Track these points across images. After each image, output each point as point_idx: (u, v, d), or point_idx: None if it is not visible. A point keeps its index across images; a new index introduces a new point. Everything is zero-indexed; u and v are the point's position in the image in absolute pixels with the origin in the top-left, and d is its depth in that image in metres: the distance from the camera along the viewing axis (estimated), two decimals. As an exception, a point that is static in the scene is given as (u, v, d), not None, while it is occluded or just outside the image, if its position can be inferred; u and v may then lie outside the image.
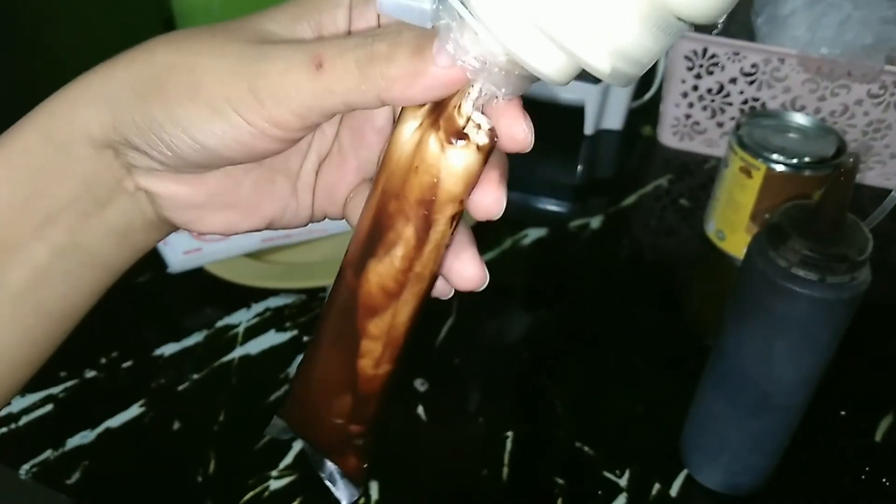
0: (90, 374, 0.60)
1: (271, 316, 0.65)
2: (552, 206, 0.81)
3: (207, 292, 0.67)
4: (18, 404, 0.57)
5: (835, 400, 0.58)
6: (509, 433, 0.56)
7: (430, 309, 0.69)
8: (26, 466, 0.53)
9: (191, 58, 0.25)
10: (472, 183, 0.26)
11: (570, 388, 0.60)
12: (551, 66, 0.23)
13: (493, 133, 0.25)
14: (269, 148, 0.26)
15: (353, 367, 0.29)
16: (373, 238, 0.27)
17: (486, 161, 0.26)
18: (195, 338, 0.63)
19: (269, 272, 0.67)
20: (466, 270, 0.28)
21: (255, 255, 0.68)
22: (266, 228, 0.31)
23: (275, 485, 0.52)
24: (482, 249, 0.74)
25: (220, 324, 0.64)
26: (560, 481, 0.53)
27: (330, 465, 0.34)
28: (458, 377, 0.61)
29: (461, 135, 0.25)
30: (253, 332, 0.63)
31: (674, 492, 0.52)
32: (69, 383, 0.59)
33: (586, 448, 0.55)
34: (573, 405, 0.58)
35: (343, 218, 0.31)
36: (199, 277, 0.67)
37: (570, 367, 0.62)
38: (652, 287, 0.72)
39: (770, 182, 0.66)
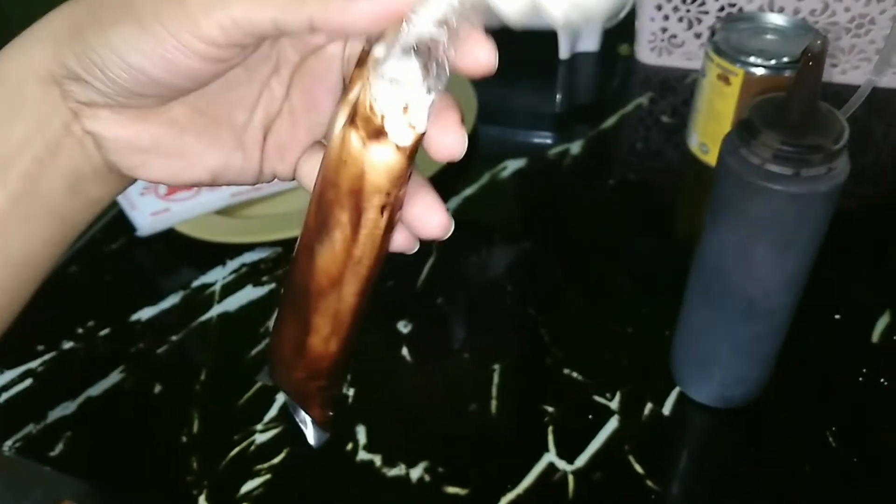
0: (67, 345, 0.58)
1: (247, 271, 0.63)
2: (532, 136, 0.79)
3: (181, 253, 0.65)
4: (-3, 381, 0.56)
5: (828, 304, 0.57)
6: (496, 366, 0.54)
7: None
8: (9, 442, 0.52)
9: None
10: (399, 176, 0.26)
11: (555, 317, 0.58)
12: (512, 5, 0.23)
13: (418, 134, 0.25)
14: (197, 68, 0.26)
15: (305, 341, 0.31)
16: (318, 223, 0.28)
17: (411, 157, 0.26)
18: (172, 300, 0.61)
19: (241, 227, 0.65)
20: (428, 218, 0.28)
21: (226, 212, 0.67)
22: (211, 183, 0.31)
23: (260, 438, 0.51)
24: (461, 185, 0.72)
25: (196, 283, 0.63)
26: (550, 409, 0.51)
27: (301, 412, 0.36)
28: (442, 316, 0.60)
29: (379, 133, 0.25)
30: (230, 288, 0.62)
31: (667, 410, 0.51)
32: (47, 356, 0.58)
33: (575, 374, 0.54)
34: (560, 333, 0.57)
35: (294, 179, 0.32)
36: (170, 239, 0.65)
37: (556, 296, 0.61)
38: (637, 208, 0.70)
39: (749, 87, 0.64)
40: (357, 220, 0.27)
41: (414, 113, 0.25)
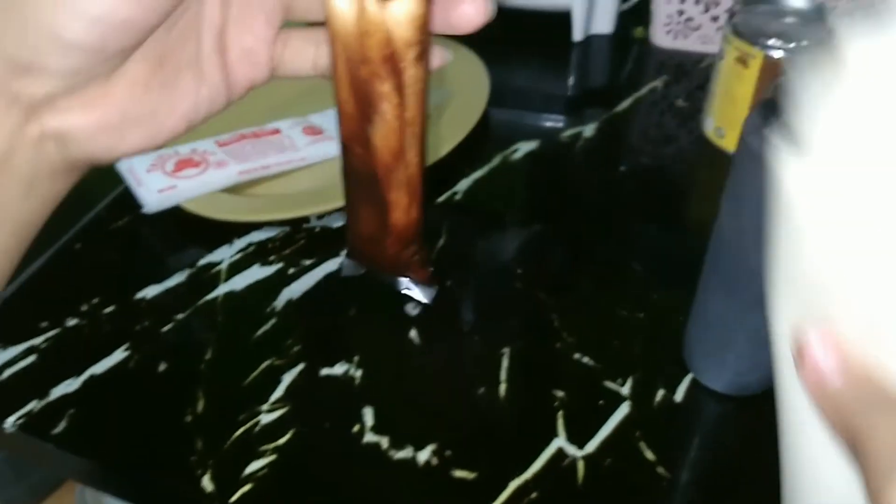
0: (71, 322, 0.58)
1: (255, 250, 0.62)
2: (544, 119, 0.77)
3: (187, 231, 0.64)
4: (0, 358, 0.55)
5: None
6: (505, 349, 0.54)
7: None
8: (11, 419, 0.51)
9: None
10: (425, 22, 0.25)
11: (567, 301, 0.57)
12: None
13: None
14: (135, 12, 0.24)
15: (388, 221, 0.33)
16: (361, 108, 0.27)
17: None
18: (177, 278, 0.61)
19: (249, 206, 0.64)
20: (464, 11, 0.26)
21: (234, 190, 0.66)
22: (188, 129, 0.29)
23: (266, 419, 0.50)
24: (471, 167, 0.71)
25: (202, 262, 0.62)
26: (560, 394, 0.51)
27: (403, 280, 0.42)
28: (451, 298, 0.59)
29: None
30: (237, 267, 0.61)
31: (679, 397, 0.50)
32: (50, 333, 0.57)
33: (586, 359, 0.53)
34: (571, 318, 0.56)
35: (275, 77, 0.30)
36: (177, 216, 0.64)
37: (567, 280, 0.60)
38: (650, 192, 0.69)
39: (767, 70, 0.63)
40: (399, 83, 0.26)
41: None
